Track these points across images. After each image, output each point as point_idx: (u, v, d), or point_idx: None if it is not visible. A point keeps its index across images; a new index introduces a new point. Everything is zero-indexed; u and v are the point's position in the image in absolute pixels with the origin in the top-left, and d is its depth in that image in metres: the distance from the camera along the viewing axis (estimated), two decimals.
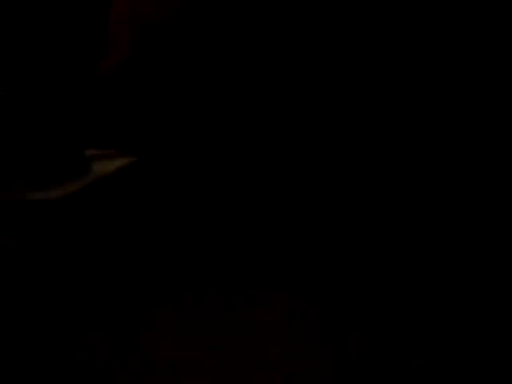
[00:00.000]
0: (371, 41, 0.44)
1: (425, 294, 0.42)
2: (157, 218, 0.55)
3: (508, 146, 0.46)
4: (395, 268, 0.43)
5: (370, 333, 0.36)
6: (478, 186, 0.46)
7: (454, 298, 0.41)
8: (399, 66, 0.44)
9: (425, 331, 0.36)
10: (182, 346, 0.33)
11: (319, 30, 0.43)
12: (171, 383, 0.30)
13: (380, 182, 0.45)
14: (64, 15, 0.51)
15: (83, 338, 0.34)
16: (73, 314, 0.37)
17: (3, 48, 0.51)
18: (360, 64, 0.44)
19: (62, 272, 0.44)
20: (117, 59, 0.42)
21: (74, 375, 0.30)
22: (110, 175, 0.51)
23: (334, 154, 0.45)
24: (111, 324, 0.36)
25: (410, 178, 0.45)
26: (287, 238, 0.46)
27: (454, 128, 0.46)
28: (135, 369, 0.31)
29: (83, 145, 0.53)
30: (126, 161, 0.52)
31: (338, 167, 0.46)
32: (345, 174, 0.46)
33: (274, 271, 0.47)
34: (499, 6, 0.43)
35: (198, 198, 0.50)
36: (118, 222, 0.54)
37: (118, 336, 0.34)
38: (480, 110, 0.46)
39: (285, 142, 0.46)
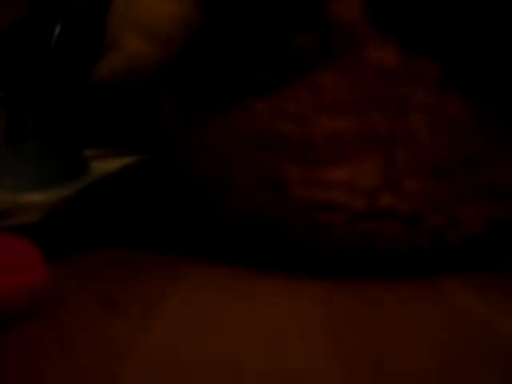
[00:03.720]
0: None
1: None
2: (159, 218, 0.55)
3: None
4: None
5: None
6: None
7: None
8: None
9: None
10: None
11: None
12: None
13: None
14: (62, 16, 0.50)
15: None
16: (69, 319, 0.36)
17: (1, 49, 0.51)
18: None
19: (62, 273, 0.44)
20: (115, 62, 0.41)
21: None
22: (110, 175, 0.50)
23: None
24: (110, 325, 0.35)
25: None
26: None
27: None
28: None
29: (82, 144, 0.53)
30: (127, 160, 0.52)
31: None
32: None
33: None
34: None
35: (200, 197, 0.50)
36: (119, 222, 0.53)
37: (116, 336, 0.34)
38: None
39: None
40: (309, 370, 0.31)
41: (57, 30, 0.50)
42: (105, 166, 0.52)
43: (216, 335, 0.34)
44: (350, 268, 0.46)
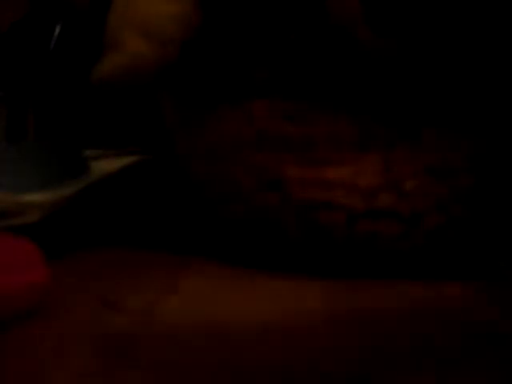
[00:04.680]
0: None
1: None
2: (159, 218, 0.55)
3: None
4: None
5: None
6: None
7: None
8: None
9: None
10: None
11: None
12: None
13: None
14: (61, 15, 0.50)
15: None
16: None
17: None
18: None
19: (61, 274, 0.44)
20: (115, 61, 0.42)
21: None
22: (110, 175, 0.50)
23: None
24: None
25: None
26: None
27: None
28: None
29: (82, 144, 0.53)
30: (127, 160, 0.52)
31: None
32: None
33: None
34: None
35: (200, 197, 0.50)
36: (119, 222, 0.53)
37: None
38: None
39: None
40: (310, 367, 0.31)
41: (57, 30, 0.50)
42: (105, 165, 0.52)
43: (216, 335, 0.34)
44: (349, 268, 0.46)
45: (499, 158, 0.44)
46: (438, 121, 0.43)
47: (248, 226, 0.47)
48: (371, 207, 0.43)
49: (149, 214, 0.55)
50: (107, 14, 0.42)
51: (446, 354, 0.33)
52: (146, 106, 0.55)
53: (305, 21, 0.42)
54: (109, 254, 0.49)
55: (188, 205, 0.54)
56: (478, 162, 0.43)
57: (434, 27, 0.42)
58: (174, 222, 0.55)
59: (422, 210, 0.43)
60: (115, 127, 0.56)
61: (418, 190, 0.43)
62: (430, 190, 0.43)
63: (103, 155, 0.53)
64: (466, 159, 0.43)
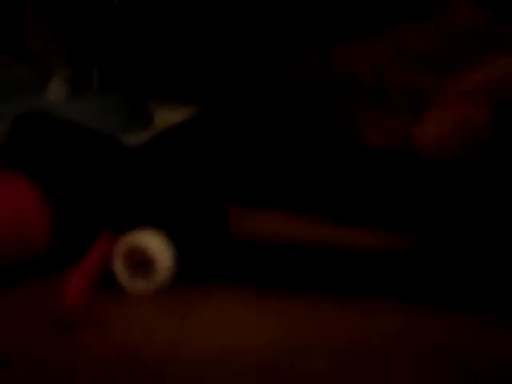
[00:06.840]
0: None
1: None
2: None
3: None
4: None
5: None
6: None
7: None
8: None
9: None
10: None
11: None
12: None
13: None
14: None
15: None
16: None
17: None
18: None
19: None
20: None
21: None
22: (175, 126, 0.51)
23: None
24: None
25: None
26: None
27: None
28: None
29: (146, 95, 0.53)
30: (191, 111, 0.52)
31: None
32: None
33: None
34: None
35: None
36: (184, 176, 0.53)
37: None
38: None
39: None
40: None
41: None
42: (169, 116, 0.52)
43: None
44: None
45: None
46: None
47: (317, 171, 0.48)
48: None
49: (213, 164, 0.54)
50: None
51: None
52: (210, 55, 0.55)
53: None
54: None
55: (252, 154, 0.54)
56: None
57: None
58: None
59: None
60: (179, 77, 0.56)
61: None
62: None
63: (167, 105, 0.53)
64: None
